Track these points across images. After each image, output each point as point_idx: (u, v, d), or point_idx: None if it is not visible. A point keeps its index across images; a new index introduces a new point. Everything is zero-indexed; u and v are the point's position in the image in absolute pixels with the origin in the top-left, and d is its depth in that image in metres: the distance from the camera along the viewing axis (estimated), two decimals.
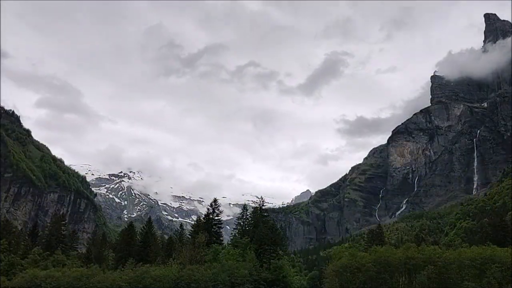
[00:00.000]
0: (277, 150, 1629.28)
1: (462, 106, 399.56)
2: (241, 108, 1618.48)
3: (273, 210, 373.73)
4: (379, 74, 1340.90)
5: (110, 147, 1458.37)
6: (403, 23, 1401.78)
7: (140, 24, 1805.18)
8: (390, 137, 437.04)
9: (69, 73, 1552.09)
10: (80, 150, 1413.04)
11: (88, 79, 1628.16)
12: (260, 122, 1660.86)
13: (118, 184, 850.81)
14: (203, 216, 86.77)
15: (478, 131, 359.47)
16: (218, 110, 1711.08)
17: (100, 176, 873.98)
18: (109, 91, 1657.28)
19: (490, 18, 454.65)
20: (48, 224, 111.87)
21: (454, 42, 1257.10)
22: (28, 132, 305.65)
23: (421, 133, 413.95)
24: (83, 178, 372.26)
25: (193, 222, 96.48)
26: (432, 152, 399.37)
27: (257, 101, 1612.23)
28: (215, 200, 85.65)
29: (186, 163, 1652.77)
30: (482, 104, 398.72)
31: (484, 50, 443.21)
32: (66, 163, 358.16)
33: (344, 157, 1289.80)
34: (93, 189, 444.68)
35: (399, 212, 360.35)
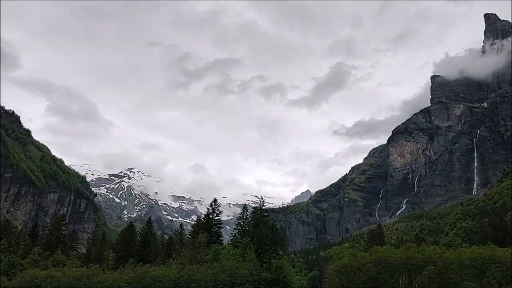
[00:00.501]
0: (280, 156, 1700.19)
1: (462, 106, 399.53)
2: (249, 117, 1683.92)
3: (273, 210, 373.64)
4: (381, 86, 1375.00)
5: (116, 150, 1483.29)
6: (405, 38, 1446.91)
7: (158, 40, 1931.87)
8: (390, 137, 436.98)
9: (88, 87, 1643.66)
10: (88, 154, 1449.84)
11: (105, 93, 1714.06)
12: (266, 130, 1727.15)
13: (118, 184, 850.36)
14: (203, 216, 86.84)
15: (478, 131, 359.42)
16: (228, 120, 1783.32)
17: (100, 176, 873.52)
18: (124, 103, 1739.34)
19: (490, 18, 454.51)
20: (48, 224, 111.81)
21: (455, 47, 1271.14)
22: (28, 132, 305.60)
23: (421, 133, 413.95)
24: (83, 178, 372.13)
25: (193, 222, 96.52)
26: (432, 152, 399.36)
27: (264, 111, 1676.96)
28: (215, 200, 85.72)
29: (190, 165, 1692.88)
30: (482, 104, 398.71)
31: (484, 50, 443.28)
32: (66, 163, 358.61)
33: (345, 162, 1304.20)
34: (93, 189, 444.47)
35: (399, 212, 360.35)
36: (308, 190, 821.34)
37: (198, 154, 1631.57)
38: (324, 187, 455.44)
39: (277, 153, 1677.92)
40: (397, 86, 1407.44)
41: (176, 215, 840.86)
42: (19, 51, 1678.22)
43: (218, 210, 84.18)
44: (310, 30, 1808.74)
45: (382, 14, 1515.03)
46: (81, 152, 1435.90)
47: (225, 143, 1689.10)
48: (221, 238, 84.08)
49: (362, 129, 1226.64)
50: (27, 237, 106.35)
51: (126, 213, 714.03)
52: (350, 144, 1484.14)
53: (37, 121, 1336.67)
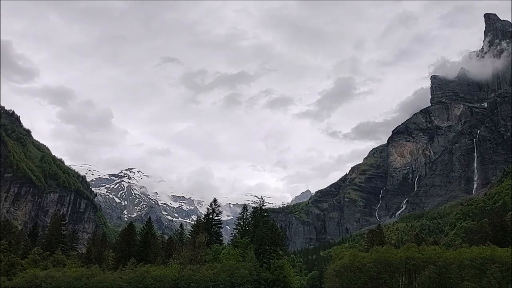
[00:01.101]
0: (283, 162, 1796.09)
1: (462, 106, 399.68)
2: (258, 129, 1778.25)
3: (273, 210, 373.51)
4: (384, 100, 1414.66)
5: (126, 155, 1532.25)
6: (406, 58, 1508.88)
7: (175, 57, 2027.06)
8: (390, 137, 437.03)
9: (106, 101, 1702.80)
10: (97, 159, 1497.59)
11: (122, 106, 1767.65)
12: (272, 141, 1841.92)
13: (118, 184, 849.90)
14: (203, 216, 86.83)
15: (478, 131, 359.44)
16: (237, 131, 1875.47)
17: (100, 176, 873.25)
18: (141, 116, 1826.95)
19: (490, 18, 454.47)
20: (48, 224, 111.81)
21: (455, 54, 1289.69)
22: (28, 132, 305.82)
23: (421, 133, 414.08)
24: (83, 178, 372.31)
25: (193, 222, 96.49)
26: (432, 152, 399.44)
27: (272, 123, 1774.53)
28: (215, 200, 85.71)
29: (193, 168, 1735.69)
30: (482, 104, 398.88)
31: (484, 50, 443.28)
32: (66, 163, 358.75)
33: (348, 167, 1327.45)
34: (93, 189, 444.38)
35: (399, 212, 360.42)
36: (308, 190, 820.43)
37: (205, 161, 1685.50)
38: (324, 187, 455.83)
39: (281, 159, 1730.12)
40: (400, 98, 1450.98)
41: (176, 215, 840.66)
42: (40, 68, 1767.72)
43: (218, 210, 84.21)
44: (319, 51, 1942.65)
45: (383, 38, 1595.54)
46: (92, 157, 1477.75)
47: (233, 152, 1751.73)
48: (221, 238, 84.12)
49: (363, 130, 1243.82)
50: (27, 237, 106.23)
51: (126, 213, 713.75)
52: (352, 149, 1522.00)
53: (51, 127, 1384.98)
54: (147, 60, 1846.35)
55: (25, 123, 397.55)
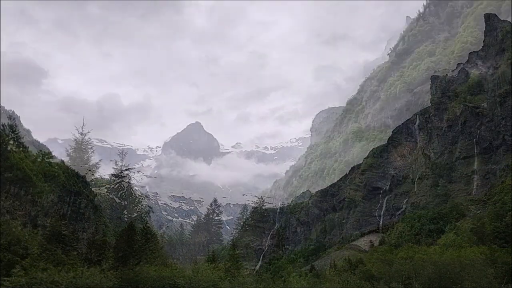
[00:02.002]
0: (286, 168, 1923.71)
1: (462, 106, 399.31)
2: (268, 140, 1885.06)
3: (272, 210, 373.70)
4: (385, 104, 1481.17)
5: (129, 158, 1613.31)
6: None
7: (195, 81, 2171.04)
8: (390, 137, 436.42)
9: (129, 118, 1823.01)
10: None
11: (144, 124, 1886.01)
12: (278, 150, 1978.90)
13: (118, 184, 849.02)
14: (203, 216, 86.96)
15: (478, 131, 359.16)
16: (247, 143, 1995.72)
17: (100, 176, 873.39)
18: (158, 131, 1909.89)
19: (490, 18, 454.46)
20: (48, 224, 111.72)
21: (457, 54, 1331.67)
22: (28, 132, 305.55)
23: (421, 133, 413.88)
24: (83, 178, 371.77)
25: (193, 222, 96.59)
26: (432, 152, 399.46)
27: (281, 136, 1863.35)
28: (215, 200, 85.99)
29: (195, 171, 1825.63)
30: (482, 104, 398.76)
31: (484, 50, 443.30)
32: (67, 163, 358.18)
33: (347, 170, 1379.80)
34: (93, 189, 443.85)
35: (399, 212, 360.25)
36: (308, 190, 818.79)
37: (210, 167, 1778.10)
38: (324, 187, 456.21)
39: (283, 164, 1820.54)
40: (398, 101, 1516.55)
41: (176, 215, 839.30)
42: (64, 86, 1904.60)
43: (218, 210, 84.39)
44: (330, 77, 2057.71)
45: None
46: (94, 159, 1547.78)
47: (238, 160, 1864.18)
48: (221, 238, 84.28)
49: (363, 133, 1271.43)
50: (27, 237, 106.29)
51: (126, 213, 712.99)
52: (353, 151, 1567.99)
53: (62, 135, 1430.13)
54: (168, 84, 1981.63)
55: (27, 124, 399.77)
